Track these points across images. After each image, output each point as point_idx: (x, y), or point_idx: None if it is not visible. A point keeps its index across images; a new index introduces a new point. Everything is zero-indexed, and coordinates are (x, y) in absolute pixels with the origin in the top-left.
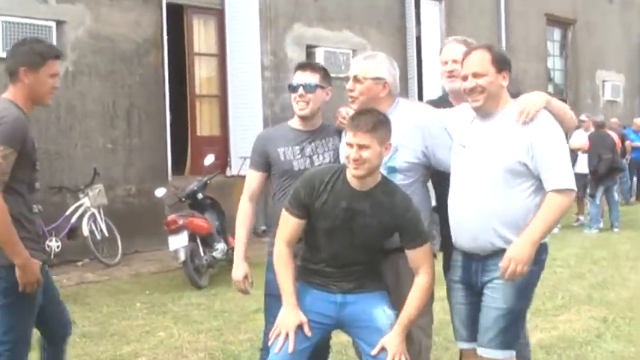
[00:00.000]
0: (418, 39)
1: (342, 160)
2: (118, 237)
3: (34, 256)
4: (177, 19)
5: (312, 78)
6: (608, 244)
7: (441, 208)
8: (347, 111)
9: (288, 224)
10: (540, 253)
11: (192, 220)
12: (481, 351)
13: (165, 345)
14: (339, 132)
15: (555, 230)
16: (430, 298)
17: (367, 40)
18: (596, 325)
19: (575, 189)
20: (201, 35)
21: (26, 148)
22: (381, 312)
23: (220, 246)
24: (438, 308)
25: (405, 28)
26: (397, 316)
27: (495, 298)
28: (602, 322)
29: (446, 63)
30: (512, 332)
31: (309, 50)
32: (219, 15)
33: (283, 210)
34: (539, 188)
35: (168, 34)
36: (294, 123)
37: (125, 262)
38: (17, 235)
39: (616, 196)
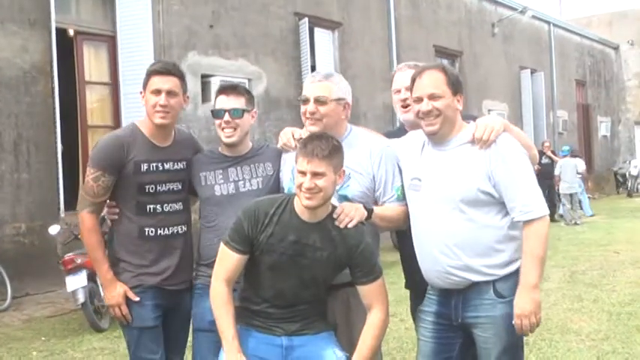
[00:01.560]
0: (313, 68)
1: (286, 187)
2: (7, 279)
3: (134, 282)
4: (66, 45)
5: (237, 102)
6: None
7: (402, 244)
8: (292, 131)
9: (228, 260)
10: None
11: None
12: None
13: None
14: (277, 156)
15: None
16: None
17: (262, 69)
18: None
19: (548, 212)
20: (92, 63)
21: (125, 171)
22: (331, 354)
23: None
24: None
25: (300, 56)
26: (348, 357)
27: (489, 338)
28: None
29: (399, 91)
30: None
31: (205, 80)
32: (111, 42)
33: (222, 245)
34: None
35: (57, 61)
36: (221, 149)
37: (15, 307)
38: (102, 254)
39: None
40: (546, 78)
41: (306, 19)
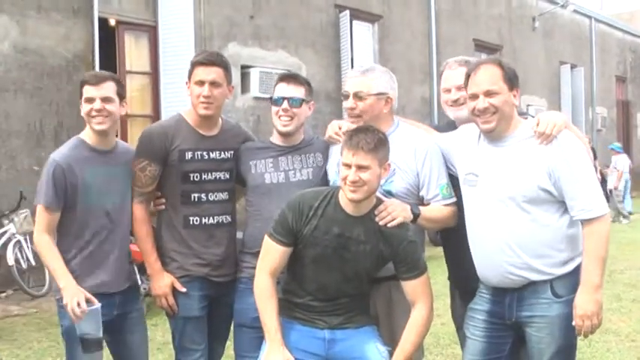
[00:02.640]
0: (352, 60)
1: (333, 180)
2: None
3: (181, 272)
4: (108, 35)
5: (297, 91)
6: None
7: (447, 240)
8: (339, 124)
9: (272, 253)
10: (579, 276)
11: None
12: None
13: None
14: (325, 148)
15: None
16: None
17: (302, 61)
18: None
19: (608, 210)
20: (133, 53)
21: (170, 159)
22: (373, 349)
23: None
24: None
25: (340, 49)
26: (390, 351)
27: (543, 338)
28: None
29: (449, 91)
30: None
31: (244, 70)
32: (152, 32)
33: (266, 237)
34: (567, 210)
35: (99, 51)
36: (274, 138)
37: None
38: (151, 245)
39: None
40: (586, 73)
41: (346, 12)
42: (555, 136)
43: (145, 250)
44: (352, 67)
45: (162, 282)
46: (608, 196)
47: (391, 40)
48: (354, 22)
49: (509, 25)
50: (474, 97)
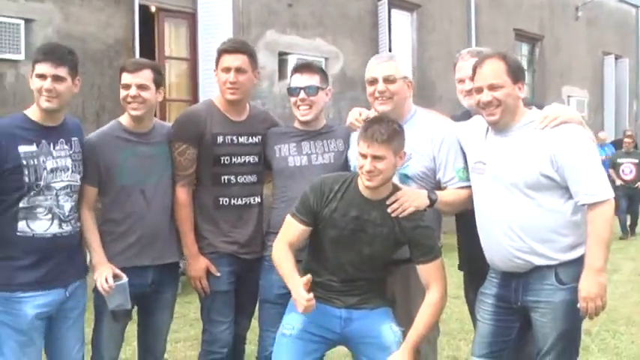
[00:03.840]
0: (390, 49)
1: (353, 165)
2: None
3: (210, 249)
4: (148, 21)
5: (311, 80)
6: None
7: (460, 226)
8: (360, 112)
9: (292, 229)
10: (583, 265)
11: None
12: None
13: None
14: (347, 135)
15: None
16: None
17: (339, 49)
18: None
19: (613, 195)
20: (172, 39)
21: (203, 142)
22: (388, 329)
23: None
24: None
25: (377, 37)
26: (404, 333)
27: (546, 323)
28: (587, 334)
29: (462, 81)
30: (571, 350)
31: (282, 57)
32: (191, 19)
33: (289, 216)
34: (572, 196)
35: (139, 37)
36: (297, 123)
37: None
38: (189, 228)
39: None
40: (631, 64)
41: (385, 1)
42: (558, 123)
43: (184, 232)
44: None
45: (197, 265)
46: None
47: (430, 30)
48: (393, 10)
49: (551, 15)
50: (479, 90)
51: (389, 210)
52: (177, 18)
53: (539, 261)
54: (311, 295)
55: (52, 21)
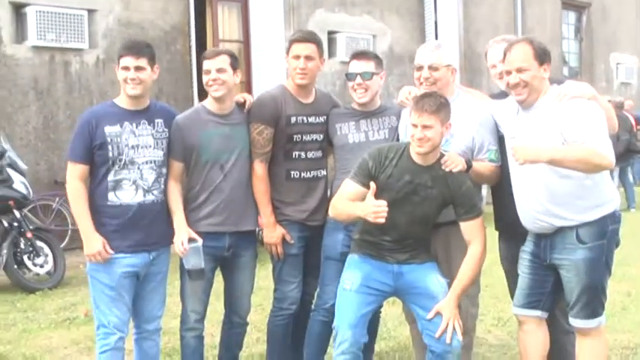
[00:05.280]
0: (436, 24)
1: (402, 138)
2: None
3: (283, 217)
4: (201, 6)
5: (367, 66)
6: (626, 224)
7: (495, 196)
8: (410, 90)
9: (350, 190)
10: (606, 225)
11: None
12: (572, 321)
13: (210, 319)
14: (399, 112)
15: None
16: (480, 269)
17: (387, 26)
18: (620, 299)
19: (614, 160)
20: (225, 22)
21: (279, 123)
22: (434, 280)
23: None
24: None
25: (424, 13)
26: (448, 283)
27: (571, 278)
28: (627, 295)
29: (494, 66)
30: (595, 303)
31: (331, 36)
32: (243, 2)
33: (347, 179)
34: None
35: (194, 22)
36: (355, 105)
37: None
38: (267, 200)
39: (630, 177)
40: None
41: None
42: (571, 96)
43: (261, 203)
44: (436, 30)
45: (274, 233)
46: None
47: (476, 3)
48: None
49: None
50: (508, 73)
51: (443, 167)
52: (230, 2)
53: (559, 222)
54: (382, 202)
55: (113, 10)
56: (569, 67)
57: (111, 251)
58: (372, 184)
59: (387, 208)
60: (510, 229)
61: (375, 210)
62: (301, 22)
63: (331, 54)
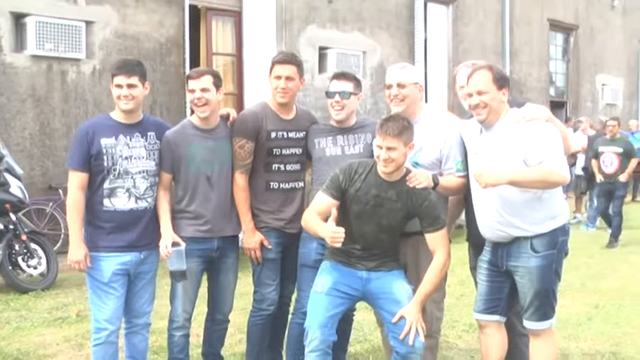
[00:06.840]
0: (426, 42)
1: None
2: None
3: (262, 224)
4: (196, 20)
5: (346, 86)
6: (603, 241)
7: (467, 209)
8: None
9: (322, 202)
10: (557, 237)
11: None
12: (526, 323)
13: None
14: (374, 130)
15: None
16: (444, 276)
17: (377, 43)
18: (587, 310)
19: (569, 177)
20: (219, 36)
21: (260, 138)
22: (400, 286)
23: None
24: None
25: (414, 31)
26: (414, 290)
27: (525, 284)
28: (594, 307)
29: (462, 87)
30: (546, 307)
31: (322, 52)
32: (237, 17)
33: (319, 192)
34: None
35: (189, 35)
36: (332, 121)
37: None
38: (246, 208)
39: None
40: None
41: None
42: (529, 119)
43: (241, 212)
44: (425, 48)
45: (253, 238)
46: None
47: (465, 22)
48: (429, 4)
49: (587, 4)
50: (470, 95)
51: (408, 183)
52: (224, 16)
53: (516, 232)
54: (340, 229)
55: (110, 22)
56: (555, 87)
57: (89, 264)
58: (334, 211)
59: (343, 235)
60: (476, 239)
61: (332, 235)
62: (293, 37)
63: (322, 69)
